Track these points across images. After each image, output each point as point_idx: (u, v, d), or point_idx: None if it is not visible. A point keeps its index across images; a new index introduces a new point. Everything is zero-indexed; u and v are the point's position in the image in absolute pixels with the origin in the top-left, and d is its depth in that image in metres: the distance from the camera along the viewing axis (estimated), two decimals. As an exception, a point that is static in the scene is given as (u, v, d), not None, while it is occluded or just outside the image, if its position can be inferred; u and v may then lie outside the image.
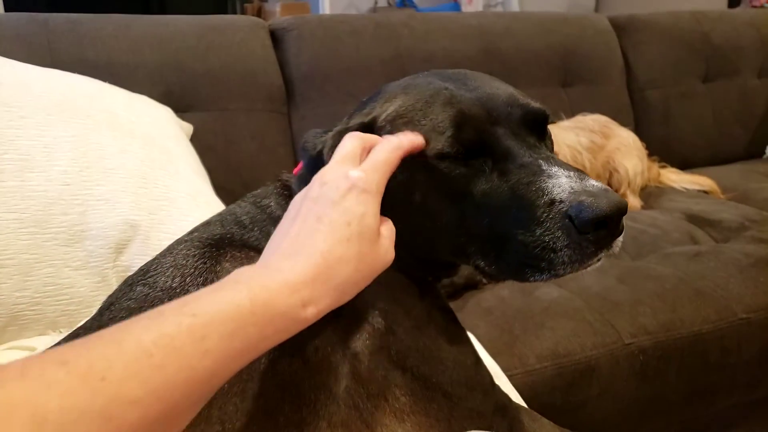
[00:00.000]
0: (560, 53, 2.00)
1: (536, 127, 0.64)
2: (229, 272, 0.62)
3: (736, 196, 1.82)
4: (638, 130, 2.01)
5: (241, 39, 1.63)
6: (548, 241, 0.54)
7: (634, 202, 1.76)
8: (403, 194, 0.64)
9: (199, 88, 1.55)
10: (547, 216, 0.54)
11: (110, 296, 0.64)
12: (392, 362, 0.62)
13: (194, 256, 0.63)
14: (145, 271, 0.64)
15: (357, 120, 0.67)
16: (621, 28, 2.15)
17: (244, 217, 0.69)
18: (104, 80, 1.25)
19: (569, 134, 1.70)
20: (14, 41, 1.36)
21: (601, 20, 2.14)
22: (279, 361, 0.57)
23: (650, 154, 1.93)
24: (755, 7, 3.24)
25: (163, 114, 1.32)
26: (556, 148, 1.53)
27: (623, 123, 1.91)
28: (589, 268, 0.56)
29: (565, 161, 1.55)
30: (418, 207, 0.64)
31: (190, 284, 0.60)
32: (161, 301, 0.59)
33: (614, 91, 2.08)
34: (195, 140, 1.43)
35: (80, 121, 1.01)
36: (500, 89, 0.64)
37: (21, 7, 1.57)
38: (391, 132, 0.64)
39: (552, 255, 0.55)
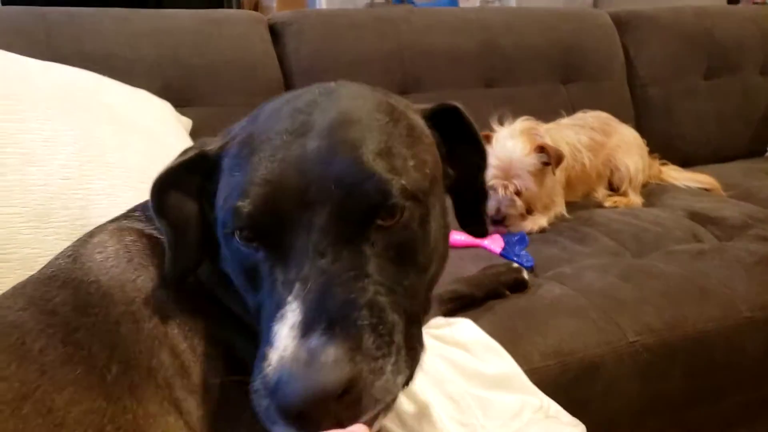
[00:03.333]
0: (560, 49, 1.99)
1: (363, 215, 0.52)
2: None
3: (738, 194, 1.81)
4: (639, 127, 1.99)
5: (240, 33, 1.62)
6: (257, 398, 0.48)
7: (635, 199, 1.75)
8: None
9: (198, 82, 1.54)
10: (261, 371, 0.47)
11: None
12: None
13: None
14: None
15: (191, 152, 0.63)
16: (622, 23, 2.14)
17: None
18: (103, 74, 1.23)
19: (569, 132, 1.69)
20: (12, 34, 1.35)
21: (601, 16, 2.13)
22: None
23: (651, 152, 1.92)
24: (756, 3, 3.23)
25: (163, 108, 1.31)
26: (557, 145, 1.53)
27: (624, 120, 1.90)
28: None
29: (565, 161, 1.54)
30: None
31: None
32: None
33: (615, 88, 2.07)
34: (194, 135, 1.41)
35: (80, 115, 1.00)
36: (340, 153, 0.52)
37: (19, 0, 1.56)
38: (228, 168, 0.58)
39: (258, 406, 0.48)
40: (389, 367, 0.47)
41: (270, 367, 0.45)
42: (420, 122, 0.63)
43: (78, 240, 0.68)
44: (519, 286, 1.18)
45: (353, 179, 0.51)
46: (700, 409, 1.21)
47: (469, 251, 1.37)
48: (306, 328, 0.46)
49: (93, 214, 0.91)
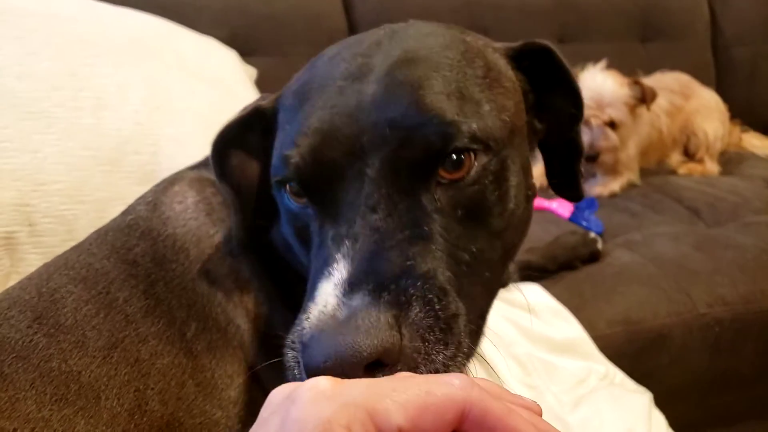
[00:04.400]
0: (640, 4, 1.88)
1: (422, 162, 0.45)
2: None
3: (826, 165, 1.70)
4: (720, 91, 1.88)
5: (306, -20, 1.59)
6: (288, 352, 0.44)
7: (711, 167, 1.66)
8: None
9: (264, 31, 1.53)
10: (299, 324, 0.43)
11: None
12: None
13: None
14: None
15: (248, 108, 0.60)
16: (709, -23, 1.99)
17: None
18: (171, 20, 1.23)
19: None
20: (84, -21, 1.35)
21: (687, -31, 1.99)
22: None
23: (732, 117, 1.82)
24: None
25: (230, 57, 1.31)
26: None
27: (704, 82, 1.80)
28: None
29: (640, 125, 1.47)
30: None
31: None
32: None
33: (697, 48, 1.95)
34: (259, 85, 1.41)
35: (151, 62, 1.00)
36: (399, 94, 0.46)
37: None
38: (282, 122, 0.55)
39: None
40: (440, 357, 0.40)
41: (307, 321, 0.41)
42: (501, 63, 0.54)
43: (158, 185, 0.67)
44: (592, 257, 1.14)
45: (411, 121, 0.44)
46: (769, 388, 1.16)
47: (537, 214, 1.32)
48: (351, 287, 0.41)
49: (162, 160, 0.92)
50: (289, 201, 0.51)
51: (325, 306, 0.41)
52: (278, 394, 0.31)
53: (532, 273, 1.07)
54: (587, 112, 1.43)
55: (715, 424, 1.17)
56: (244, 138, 0.60)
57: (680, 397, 1.08)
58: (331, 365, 0.37)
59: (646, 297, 1.06)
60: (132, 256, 0.58)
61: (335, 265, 0.43)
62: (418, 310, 0.40)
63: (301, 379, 0.41)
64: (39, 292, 0.55)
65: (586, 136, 1.44)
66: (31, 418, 0.47)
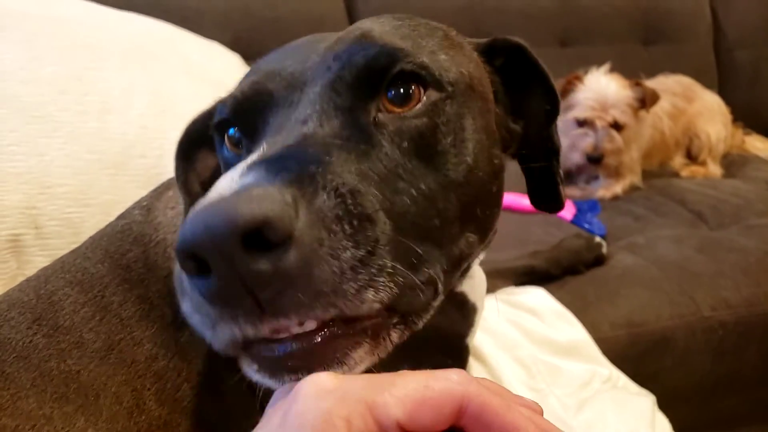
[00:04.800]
0: (642, 8, 1.90)
1: (363, 81, 0.42)
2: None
3: (828, 168, 1.70)
4: (723, 94, 1.89)
5: (309, -15, 1.60)
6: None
7: (714, 169, 1.66)
8: None
9: (266, 35, 1.54)
10: None
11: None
12: None
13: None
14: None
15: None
16: (711, -19, 2.00)
17: None
18: (174, 24, 1.24)
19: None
20: (89, -17, 1.36)
21: (689, -28, 2.00)
22: None
23: (735, 120, 1.82)
24: None
25: (233, 61, 1.31)
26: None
27: (706, 85, 1.80)
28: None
29: (641, 127, 1.48)
30: None
31: None
32: None
33: (699, 50, 1.96)
34: (262, 89, 1.42)
35: (156, 66, 1.01)
36: (348, 38, 0.45)
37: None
38: None
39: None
40: (348, 254, 0.33)
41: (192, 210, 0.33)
42: (466, 47, 0.52)
43: (155, 189, 0.67)
44: (597, 262, 1.14)
45: (356, 49, 0.43)
46: (773, 391, 1.16)
47: (538, 216, 1.33)
48: (249, 169, 0.34)
49: (167, 163, 0.93)
50: (228, 153, 0.49)
51: (216, 191, 0.33)
52: (282, 391, 0.32)
53: (536, 277, 1.06)
54: (591, 114, 1.43)
55: (719, 427, 1.17)
56: (210, 136, 0.57)
57: (683, 400, 1.08)
58: (199, 238, 0.29)
59: (649, 300, 1.06)
60: (125, 261, 0.58)
61: (243, 162, 0.36)
62: (325, 198, 0.33)
63: (182, 288, 0.35)
64: (37, 295, 0.56)
65: (590, 138, 1.45)
66: (33, 415, 0.48)
